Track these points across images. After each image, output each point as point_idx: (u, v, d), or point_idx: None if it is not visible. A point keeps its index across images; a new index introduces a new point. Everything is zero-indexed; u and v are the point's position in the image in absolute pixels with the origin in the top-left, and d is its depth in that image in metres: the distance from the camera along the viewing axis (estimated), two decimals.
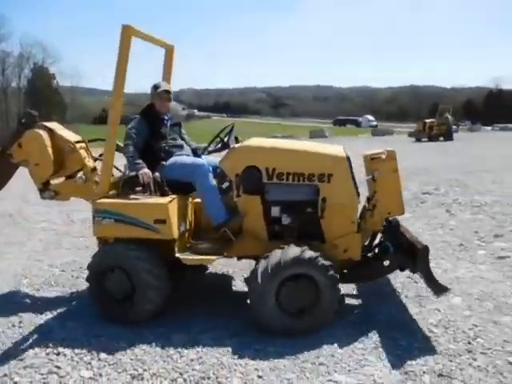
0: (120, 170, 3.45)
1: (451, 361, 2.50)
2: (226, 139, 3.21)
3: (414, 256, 2.88)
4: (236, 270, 3.94)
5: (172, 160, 3.20)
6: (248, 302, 2.82)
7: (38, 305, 3.37)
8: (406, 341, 2.72)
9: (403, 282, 3.62)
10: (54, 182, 3.42)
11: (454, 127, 22.97)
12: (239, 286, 3.66)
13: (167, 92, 3.30)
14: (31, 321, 3.09)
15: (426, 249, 2.85)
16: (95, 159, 3.45)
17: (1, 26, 43.15)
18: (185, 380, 2.38)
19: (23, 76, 47.71)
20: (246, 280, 2.86)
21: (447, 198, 6.75)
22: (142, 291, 2.89)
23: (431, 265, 3.77)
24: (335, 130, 37.81)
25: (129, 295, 2.92)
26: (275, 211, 3.01)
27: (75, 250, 4.78)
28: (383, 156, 3.03)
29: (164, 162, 3.16)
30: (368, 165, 3.10)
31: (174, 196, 3.04)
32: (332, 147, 3.19)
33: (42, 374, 2.45)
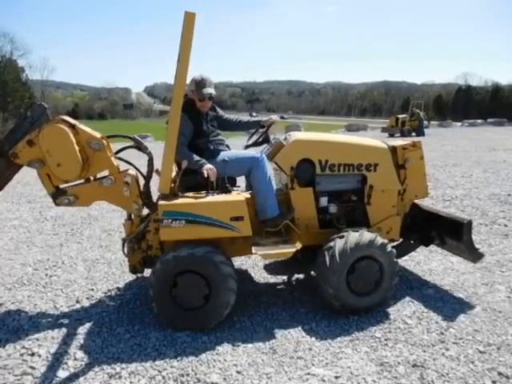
0: (137, 168, 3.15)
1: (425, 351, 2.59)
2: (264, 134, 3.32)
3: (456, 229, 3.21)
4: None
5: (223, 156, 3.09)
6: (316, 282, 3.03)
7: (10, 304, 3.26)
8: (380, 332, 2.80)
9: None
10: (65, 185, 2.97)
11: (426, 123, 23.58)
12: None
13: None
14: (4, 321, 2.98)
15: (470, 222, 3.19)
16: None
17: None
18: (163, 377, 2.36)
19: None
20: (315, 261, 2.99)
21: None
22: (220, 296, 2.78)
23: (405, 258, 3.94)
24: (309, 125, 38.09)
25: (203, 301, 2.79)
26: (325, 201, 3.23)
27: (48, 248, 4.63)
28: (412, 146, 3.36)
29: (226, 158, 3.04)
30: (400, 154, 3.33)
31: (241, 192, 3.04)
32: (372, 140, 3.46)
33: (16, 376, 2.38)
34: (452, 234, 3.31)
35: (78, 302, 3.32)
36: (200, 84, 3.07)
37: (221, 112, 3.44)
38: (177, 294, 2.76)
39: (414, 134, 21.72)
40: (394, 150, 3.33)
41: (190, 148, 3.07)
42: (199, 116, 3.16)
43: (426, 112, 24.02)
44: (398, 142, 3.49)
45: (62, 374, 2.40)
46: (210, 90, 3.10)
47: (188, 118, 3.01)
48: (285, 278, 3.77)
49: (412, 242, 3.69)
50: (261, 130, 3.45)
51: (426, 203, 3.88)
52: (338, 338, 2.75)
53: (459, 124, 32.63)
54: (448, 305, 3.17)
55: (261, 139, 3.39)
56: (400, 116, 22.89)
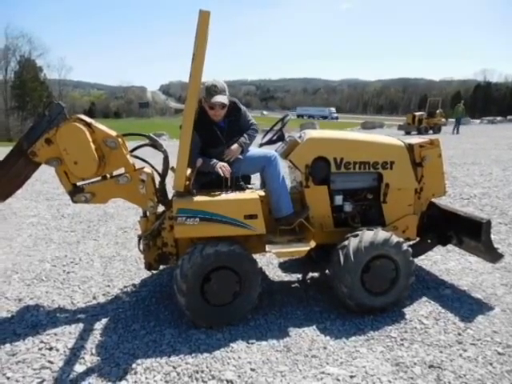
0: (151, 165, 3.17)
1: (442, 352, 2.54)
2: (279, 131, 3.28)
3: (474, 228, 3.15)
4: None
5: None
6: (330, 281, 3.00)
7: (29, 300, 3.33)
8: (396, 332, 2.76)
9: None
10: (82, 183, 3.01)
11: (443, 120, 23.12)
12: None
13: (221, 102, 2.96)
14: (23, 316, 3.05)
15: (489, 222, 3.13)
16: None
17: None
18: (178, 374, 2.38)
19: (10, 69, 46.83)
20: (329, 259, 2.97)
21: None
22: (250, 293, 2.84)
23: (422, 257, 3.88)
24: (324, 123, 37.86)
25: (232, 298, 2.82)
26: (340, 199, 3.19)
27: (65, 244, 4.72)
28: (430, 143, 3.32)
29: (240, 156, 3.04)
30: (417, 151, 3.28)
31: (255, 190, 3.04)
32: (389, 138, 3.39)
33: (34, 369, 2.43)
34: (470, 233, 3.24)
35: (94, 298, 3.37)
36: (210, 91, 2.92)
37: (246, 117, 3.20)
38: (208, 290, 2.78)
39: (431, 131, 21.36)
40: (410, 147, 3.27)
41: (205, 156, 3.00)
42: (212, 125, 3.03)
43: (443, 109, 23.51)
44: (416, 139, 3.43)
45: (79, 368, 2.44)
46: (220, 99, 2.92)
47: (198, 130, 2.87)
48: (299, 276, 3.76)
49: (429, 241, 3.63)
50: (275, 128, 3.44)
51: (443, 202, 3.81)
52: (353, 338, 2.72)
53: (478, 121, 31.90)
54: (466, 305, 3.11)
55: (275, 137, 3.37)
56: (417, 113, 22.52)
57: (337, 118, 61.13)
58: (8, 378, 2.35)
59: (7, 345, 2.67)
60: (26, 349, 2.64)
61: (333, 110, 68.81)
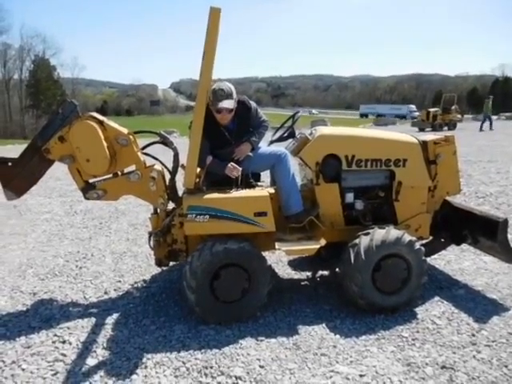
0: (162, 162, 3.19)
1: (454, 353, 2.50)
2: (290, 128, 3.27)
3: (490, 228, 3.08)
4: None
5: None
6: (341, 280, 2.98)
7: (43, 294, 3.39)
8: (408, 332, 2.72)
9: None
10: (94, 180, 3.04)
11: (459, 117, 22.72)
12: None
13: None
14: (37, 310, 3.11)
15: (506, 221, 3.06)
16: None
17: (0, 19, 43.07)
18: (187, 369, 2.39)
19: (25, 68, 47.73)
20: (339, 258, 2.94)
21: None
22: (259, 290, 2.84)
23: (435, 256, 3.81)
24: (336, 120, 37.55)
25: (240, 295, 2.82)
26: (351, 197, 3.17)
27: (78, 240, 4.79)
28: (445, 140, 3.25)
29: (250, 154, 3.04)
30: (431, 148, 3.21)
31: (265, 187, 3.04)
32: (402, 134, 3.34)
33: (48, 362, 2.48)
34: (486, 232, 3.17)
35: (106, 293, 3.41)
36: (216, 96, 2.86)
37: (257, 115, 3.15)
38: (217, 287, 2.79)
39: (445, 128, 21.00)
40: (424, 144, 3.21)
41: (215, 157, 2.98)
42: (220, 127, 3.00)
43: (458, 105, 23.08)
44: (430, 136, 3.37)
45: (91, 361, 2.48)
46: (226, 104, 2.87)
47: (206, 132, 2.80)
48: (309, 274, 3.74)
49: (442, 240, 3.56)
50: (286, 125, 3.42)
51: (458, 200, 3.73)
52: (364, 337, 2.69)
53: (495, 117, 31.24)
54: (480, 306, 3.05)
55: (286, 134, 3.35)
56: (431, 110, 22.16)
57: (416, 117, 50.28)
58: (23, 370, 2.40)
59: (22, 337, 2.73)
60: (41, 342, 2.69)
61: (412, 107, 53.18)
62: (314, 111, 72.18)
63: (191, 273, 2.75)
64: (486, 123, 19.54)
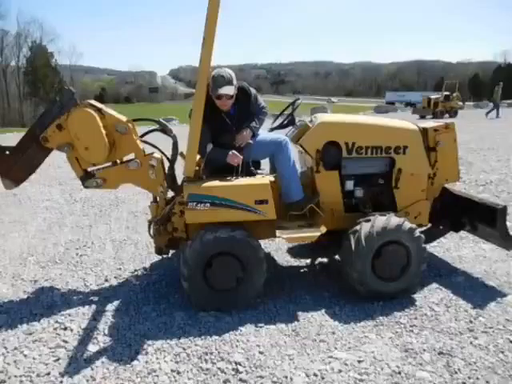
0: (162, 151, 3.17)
1: (452, 339, 2.52)
2: (290, 115, 3.26)
3: (489, 215, 3.09)
4: None
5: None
6: (341, 266, 3.00)
7: (44, 282, 3.42)
8: (406, 319, 2.75)
9: None
10: (93, 168, 3.02)
11: (460, 104, 22.54)
12: None
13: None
14: (38, 297, 3.14)
15: (505, 208, 3.07)
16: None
17: None
18: (188, 355, 2.42)
19: (22, 55, 47.13)
20: (340, 244, 2.95)
21: None
22: (253, 279, 2.84)
23: (434, 244, 3.83)
24: (337, 107, 37.24)
25: (235, 283, 2.83)
26: (351, 185, 3.17)
27: (78, 228, 4.80)
28: (445, 127, 3.23)
29: (250, 141, 3.02)
30: (431, 136, 3.20)
31: (266, 175, 3.03)
32: (402, 122, 3.33)
33: (50, 348, 2.51)
34: (485, 220, 3.18)
35: (106, 280, 3.44)
36: (216, 82, 2.85)
37: (257, 101, 3.15)
38: (210, 275, 2.80)
39: (446, 115, 20.87)
40: (424, 131, 3.19)
41: (217, 145, 2.98)
42: (221, 113, 2.99)
43: (459, 92, 22.88)
44: (430, 123, 3.35)
45: (92, 348, 2.51)
46: (227, 90, 2.86)
47: (207, 119, 2.76)
48: (308, 261, 3.76)
49: (441, 227, 3.57)
50: (286, 113, 3.39)
51: (457, 188, 3.73)
52: (362, 323, 2.72)
53: (492, 104, 30.99)
54: (478, 293, 3.07)
55: (286, 121, 3.33)
56: (432, 97, 21.97)
57: None
58: (25, 356, 2.43)
59: (24, 324, 2.76)
60: (42, 328, 2.71)
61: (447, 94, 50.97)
62: (333, 99, 69.90)
63: (183, 261, 2.79)
64: (494, 111, 19.33)
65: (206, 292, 2.82)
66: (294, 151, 3.11)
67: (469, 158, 7.96)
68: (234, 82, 2.93)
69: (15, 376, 2.25)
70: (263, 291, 2.94)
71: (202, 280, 2.79)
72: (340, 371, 2.25)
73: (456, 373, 2.22)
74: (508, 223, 3.15)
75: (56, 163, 8.14)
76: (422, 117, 21.26)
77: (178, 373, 2.27)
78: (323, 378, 2.20)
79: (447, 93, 21.76)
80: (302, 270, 3.62)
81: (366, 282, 2.87)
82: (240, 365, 2.32)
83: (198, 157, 3.00)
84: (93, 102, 2.95)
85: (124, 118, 2.98)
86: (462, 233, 3.65)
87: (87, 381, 2.21)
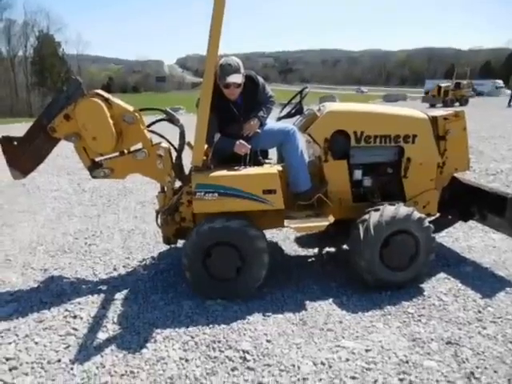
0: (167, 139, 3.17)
1: (460, 329, 2.51)
2: (298, 104, 3.23)
3: (499, 204, 3.06)
4: None
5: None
6: (349, 255, 2.98)
7: (54, 270, 3.46)
8: (414, 308, 2.74)
9: None
10: (100, 158, 3.03)
11: (471, 92, 22.15)
12: None
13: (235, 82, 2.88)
14: (48, 286, 3.18)
15: None
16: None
17: None
18: (196, 343, 2.44)
19: (29, 45, 47.10)
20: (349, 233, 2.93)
21: None
22: (253, 270, 2.83)
23: (443, 234, 3.79)
24: (345, 96, 36.81)
25: (235, 273, 2.83)
26: (360, 174, 3.14)
27: (87, 218, 4.85)
28: (455, 116, 3.19)
29: (258, 131, 3.00)
30: (441, 124, 3.17)
31: (273, 165, 3.03)
32: (411, 110, 3.28)
33: (60, 336, 2.54)
34: (494, 209, 3.14)
35: (115, 269, 3.47)
36: (224, 71, 2.84)
37: (264, 90, 3.11)
38: (210, 265, 2.82)
39: (457, 103, 20.53)
40: (434, 120, 3.13)
41: (224, 134, 2.96)
42: (228, 102, 2.98)
43: (471, 80, 22.45)
44: (439, 111, 3.29)
45: (101, 335, 2.54)
46: (235, 79, 2.85)
47: (214, 108, 2.75)
48: (315, 251, 3.75)
49: (449, 217, 3.53)
50: (294, 101, 3.35)
51: (467, 177, 3.68)
52: (370, 312, 2.72)
53: (509, 91, 30.37)
54: (487, 283, 3.04)
55: (294, 110, 3.30)
56: (443, 85, 21.60)
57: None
58: (36, 343, 2.47)
59: (34, 312, 2.80)
60: (52, 316, 2.75)
61: (499, 82, 44.49)
62: (363, 89, 68.13)
63: (184, 251, 2.83)
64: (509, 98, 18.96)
65: (207, 281, 2.84)
66: (301, 140, 3.09)
67: (480, 146, 7.84)
68: (242, 70, 2.91)
69: (27, 363, 2.29)
70: (270, 281, 2.94)
71: (202, 269, 2.82)
72: (347, 360, 2.26)
73: (464, 362, 2.22)
74: None
75: (64, 153, 8.19)
76: (432, 105, 20.94)
77: (187, 360, 2.29)
78: (331, 367, 2.21)
79: (458, 81, 21.38)
80: (309, 260, 3.62)
81: (373, 271, 2.86)
82: (248, 353, 2.34)
83: (206, 146, 2.99)
84: (100, 91, 2.94)
85: (131, 108, 2.96)
86: (472, 222, 3.61)
87: (97, 368, 2.25)
